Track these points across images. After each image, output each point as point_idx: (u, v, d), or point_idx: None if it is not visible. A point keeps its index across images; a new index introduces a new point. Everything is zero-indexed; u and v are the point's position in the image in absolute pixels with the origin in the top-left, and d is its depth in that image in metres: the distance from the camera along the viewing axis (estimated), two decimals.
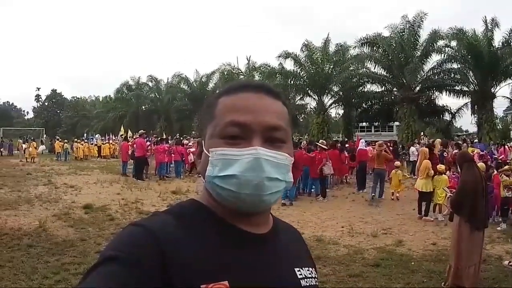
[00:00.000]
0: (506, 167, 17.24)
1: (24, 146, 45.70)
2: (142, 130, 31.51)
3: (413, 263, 11.12)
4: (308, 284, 1.61)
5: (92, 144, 54.27)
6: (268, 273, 1.48)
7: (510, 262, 11.18)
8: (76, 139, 52.81)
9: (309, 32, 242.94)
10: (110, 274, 1.27)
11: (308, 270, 1.66)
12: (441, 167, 17.56)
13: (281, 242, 1.62)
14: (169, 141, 33.65)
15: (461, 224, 9.17)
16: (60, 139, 51.78)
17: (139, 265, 1.27)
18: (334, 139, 41.44)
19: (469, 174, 9.45)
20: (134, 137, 36.13)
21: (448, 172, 18.27)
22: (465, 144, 32.39)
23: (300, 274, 1.60)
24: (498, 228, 14.85)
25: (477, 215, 9.08)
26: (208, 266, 1.36)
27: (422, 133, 42.61)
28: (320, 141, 25.20)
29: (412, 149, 32.59)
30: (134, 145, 29.37)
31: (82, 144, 49.19)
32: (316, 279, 1.69)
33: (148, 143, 31.06)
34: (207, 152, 1.51)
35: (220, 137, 1.48)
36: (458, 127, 78.99)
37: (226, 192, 1.44)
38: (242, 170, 1.41)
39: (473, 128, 54.83)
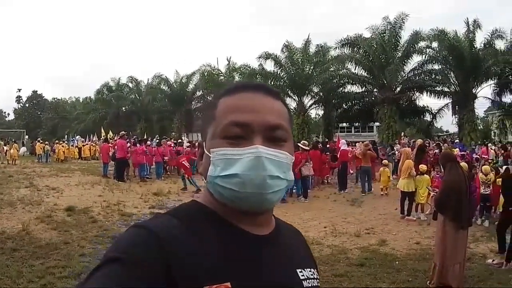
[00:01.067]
0: (486, 166, 17.31)
1: (5, 148, 45.47)
2: (123, 132, 31.57)
3: (397, 262, 11.21)
4: (310, 285, 1.61)
5: (72, 145, 54.26)
6: (271, 274, 1.48)
7: (494, 260, 11.36)
8: (57, 141, 52.82)
9: (290, 33, 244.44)
10: (112, 275, 1.26)
11: (310, 271, 1.66)
12: (422, 167, 17.72)
13: (283, 242, 1.62)
14: (148, 142, 33.57)
15: (446, 223, 9.24)
16: (41, 141, 51.46)
17: (142, 266, 1.27)
18: (314, 139, 41.43)
19: (453, 174, 9.54)
20: (115, 139, 36.07)
21: (432, 172, 18.41)
22: (445, 144, 32.68)
23: (302, 275, 1.60)
24: (478, 223, 15.09)
25: (461, 214, 9.13)
26: (211, 267, 1.36)
27: (402, 134, 42.72)
28: (302, 141, 25.25)
29: (394, 148, 32.73)
30: (115, 147, 29.32)
31: (63, 146, 49.02)
32: (317, 280, 1.69)
33: (128, 144, 30.88)
34: (208, 153, 1.52)
35: (222, 137, 1.49)
36: (439, 127, 79.46)
37: (228, 192, 1.45)
38: (244, 169, 1.42)
39: (454, 129, 55.27)
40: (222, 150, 1.46)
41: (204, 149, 1.57)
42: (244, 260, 1.43)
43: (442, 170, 10.78)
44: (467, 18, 45.04)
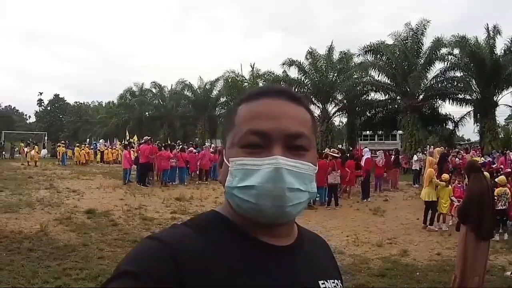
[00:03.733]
0: (501, 177, 17.07)
1: (26, 149, 45.66)
2: (147, 137, 31.47)
3: (418, 273, 11.09)
4: None
5: (92, 149, 54.70)
6: (290, 286, 1.44)
7: None
8: (77, 144, 53.03)
9: (313, 40, 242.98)
10: None
11: (334, 282, 1.61)
12: (445, 176, 17.49)
13: (305, 253, 1.57)
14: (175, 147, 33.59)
15: (467, 234, 9.14)
16: (63, 144, 51.66)
17: (155, 279, 1.25)
18: (338, 147, 41.24)
19: (476, 184, 9.47)
20: (139, 143, 36.11)
21: (454, 182, 18.26)
22: (468, 153, 32.41)
23: (324, 287, 1.55)
24: (496, 239, 14.70)
25: (483, 225, 9.05)
26: (228, 279, 1.33)
27: (428, 144, 42.50)
28: (332, 149, 25.22)
29: (415, 157, 32.57)
30: (138, 151, 29.40)
31: (83, 149, 49.31)
32: None
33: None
34: (227, 162, 1.49)
35: (240, 146, 1.45)
36: (460, 135, 78.87)
37: (246, 204, 1.41)
38: (262, 181, 1.37)
39: (475, 137, 54.70)
40: (241, 160, 1.43)
41: (224, 158, 1.54)
42: (263, 272, 1.40)
43: (467, 180, 10.74)
44: (487, 24, 44.72)
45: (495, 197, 14.55)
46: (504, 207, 15.66)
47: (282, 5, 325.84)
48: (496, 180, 16.49)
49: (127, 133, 56.51)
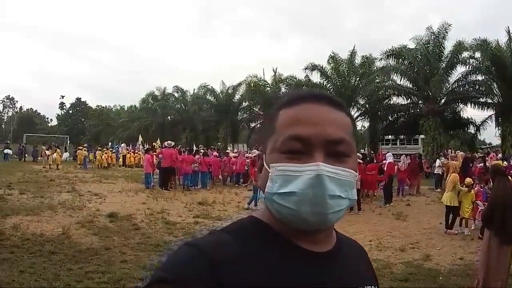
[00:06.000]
0: None
1: (47, 152, 45.71)
2: (170, 141, 31.49)
3: (441, 278, 11.03)
4: None
5: (114, 152, 54.97)
6: None
7: None
8: (99, 148, 53.30)
9: (336, 44, 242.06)
10: None
11: None
12: (467, 180, 17.41)
13: (343, 260, 1.55)
14: (200, 152, 33.63)
15: (491, 238, 9.12)
16: (86, 148, 51.98)
17: (191, 287, 1.25)
18: (361, 151, 41.11)
19: (500, 188, 9.44)
20: (161, 147, 36.16)
21: (476, 186, 18.21)
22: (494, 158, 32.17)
23: None
24: None
25: (507, 229, 8.97)
26: (266, 287, 1.32)
27: (451, 149, 42.27)
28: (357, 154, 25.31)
29: (437, 162, 32.25)
30: (160, 155, 29.46)
31: (106, 153, 49.61)
32: None
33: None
34: (267, 167, 1.46)
35: (281, 152, 1.43)
36: (482, 139, 78.36)
37: (285, 210, 1.39)
38: (303, 187, 1.35)
39: (496, 141, 54.23)
40: (282, 166, 1.40)
41: (264, 163, 1.52)
42: (302, 279, 1.38)
43: (491, 184, 10.72)
44: (508, 27, 44.16)
45: None
46: None
47: (306, 9, 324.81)
48: None
49: (140, 138, 56.74)
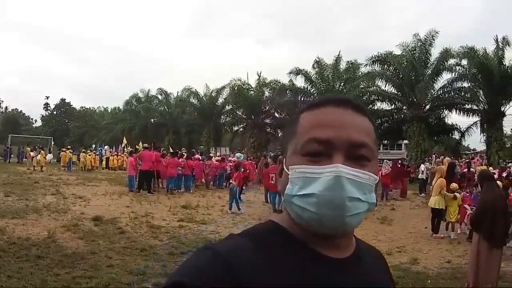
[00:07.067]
0: None
1: (32, 154, 45.79)
2: (145, 144, 31.54)
3: (429, 281, 11.15)
4: None
5: (98, 154, 55.18)
6: None
7: None
8: (83, 150, 53.25)
9: (323, 50, 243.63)
10: None
11: None
12: (453, 185, 17.60)
13: (363, 266, 1.54)
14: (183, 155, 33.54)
15: (480, 242, 9.23)
16: (70, 149, 51.83)
17: None
18: None
19: (489, 192, 9.58)
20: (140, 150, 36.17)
21: (462, 191, 18.36)
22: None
23: None
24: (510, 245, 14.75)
25: (496, 233, 9.13)
26: None
27: (435, 154, 42.69)
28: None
29: (422, 167, 32.60)
30: (139, 158, 29.26)
31: (89, 155, 49.59)
32: None
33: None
34: (287, 170, 1.46)
35: (301, 154, 1.43)
36: (466, 145, 78.95)
37: (305, 213, 1.38)
38: (322, 189, 1.35)
39: (481, 147, 54.67)
40: (301, 168, 1.40)
41: (284, 166, 1.51)
42: (321, 286, 1.37)
43: (480, 189, 10.80)
44: (496, 35, 44.65)
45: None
46: None
47: (292, 14, 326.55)
48: None
49: (124, 140, 56.78)
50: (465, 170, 28.38)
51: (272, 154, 36.02)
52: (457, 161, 32.55)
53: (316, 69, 53.23)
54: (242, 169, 26.78)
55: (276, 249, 1.40)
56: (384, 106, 51.85)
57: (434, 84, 47.39)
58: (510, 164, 31.32)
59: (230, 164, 32.78)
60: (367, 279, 1.51)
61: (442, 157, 33.44)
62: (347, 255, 1.50)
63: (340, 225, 1.37)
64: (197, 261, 1.33)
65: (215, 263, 1.30)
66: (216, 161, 34.38)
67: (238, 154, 42.10)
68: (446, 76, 47.54)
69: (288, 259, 1.38)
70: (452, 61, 46.64)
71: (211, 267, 1.28)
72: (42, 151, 46.50)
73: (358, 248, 1.57)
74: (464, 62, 45.77)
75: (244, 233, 1.50)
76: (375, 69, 49.97)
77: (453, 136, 52.28)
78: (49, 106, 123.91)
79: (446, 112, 49.71)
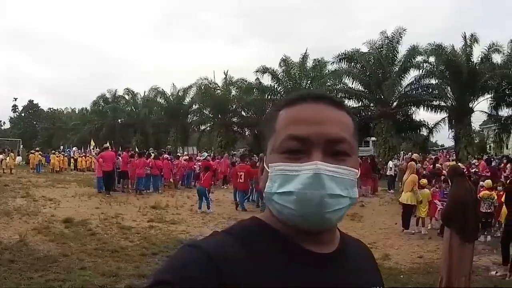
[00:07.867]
0: (488, 180, 17.32)
1: (1, 157, 45.11)
2: (106, 144, 31.45)
3: (402, 276, 11.27)
4: None
5: (66, 156, 54.59)
6: None
7: (497, 272, 11.69)
8: (52, 151, 52.81)
9: (292, 50, 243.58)
10: None
11: None
12: (423, 181, 17.80)
13: (348, 261, 1.52)
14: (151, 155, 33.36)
15: (452, 237, 9.30)
16: (39, 151, 51.43)
17: None
18: None
19: (460, 188, 9.67)
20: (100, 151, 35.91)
21: (432, 187, 18.50)
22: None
23: None
24: (481, 240, 14.89)
25: (468, 227, 9.20)
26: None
27: (403, 151, 43.18)
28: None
29: (390, 164, 32.93)
30: (100, 159, 28.82)
31: (58, 156, 49.10)
32: None
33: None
34: (267, 168, 1.46)
35: (280, 152, 1.42)
36: (434, 141, 79.55)
37: (285, 210, 1.38)
38: (301, 187, 1.34)
39: (450, 143, 55.19)
40: (280, 166, 1.40)
41: (264, 164, 1.50)
42: (305, 281, 1.37)
43: (450, 184, 10.89)
44: (464, 33, 45.27)
45: (480, 200, 14.85)
46: (489, 210, 15.85)
47: (260, 14, 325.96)
48: (483, 183, 16.83)
49: (92, 141, 56.62)
50: (431, 166, 28.55)
51: (240, 152, 36.10)
52: (424, 158, 32.97)
53: (283, 68, 53.64)
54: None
55: (261, 245, 1.40)
56: (351, 103, 51.92)
57: (402, 81, 48.03)
58: (474, 161, 31.70)
59: (199, 163, 32.68)
60: (353, 273, 1.51)
61: (410, 153, 33.75)
62: (332, 249, 1.49)
63: (321, 221, 1.37)
64: (181, 258, 1.32)
65: (200, 259, 1.29)
66: (184, 160, 34.33)
67: (204, 154, 42.15)
68: (413, 73, 48.25)
69: (271, 254, 1.38)
70: (419, 58, 47.41)
71: (196, 264, 1.28)
72: (11, 154, 46.31)
73: (342, 242, 1.57)
74: (432, 59, 46.52)
75: (228, 230, 1.50)
76: (342, 67, 50.46)
77: (421, 133, 53.08)
78: (17, 108, 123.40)
79: (413, 108, 50.50)
